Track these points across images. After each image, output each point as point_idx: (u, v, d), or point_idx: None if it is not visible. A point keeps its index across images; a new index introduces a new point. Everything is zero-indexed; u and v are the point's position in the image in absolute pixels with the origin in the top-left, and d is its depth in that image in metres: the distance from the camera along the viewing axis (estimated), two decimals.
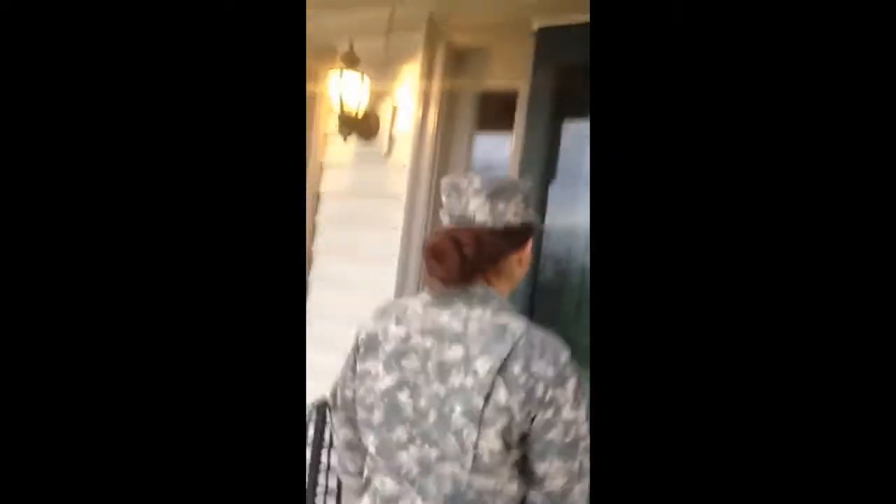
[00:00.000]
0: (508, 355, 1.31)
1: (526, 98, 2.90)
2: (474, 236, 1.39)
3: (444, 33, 3.20)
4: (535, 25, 2.87)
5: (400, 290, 3.21)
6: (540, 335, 1.37)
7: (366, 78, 3.13)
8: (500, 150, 3.11)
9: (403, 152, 3.23)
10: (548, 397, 1.32)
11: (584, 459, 1.36)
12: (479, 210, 1.40)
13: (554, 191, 2.93)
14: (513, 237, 1.45)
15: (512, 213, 1.43)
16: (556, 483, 1.37)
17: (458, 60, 3.29)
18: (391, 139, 3.27)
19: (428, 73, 3.21)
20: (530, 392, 1.31)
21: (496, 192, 1.40)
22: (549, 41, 2.86)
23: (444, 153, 3.27)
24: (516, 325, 1.37)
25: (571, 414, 1.34)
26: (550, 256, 2.94)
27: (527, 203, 1.47)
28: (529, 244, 1.51)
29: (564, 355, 1.36)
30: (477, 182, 1.40)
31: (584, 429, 1.36)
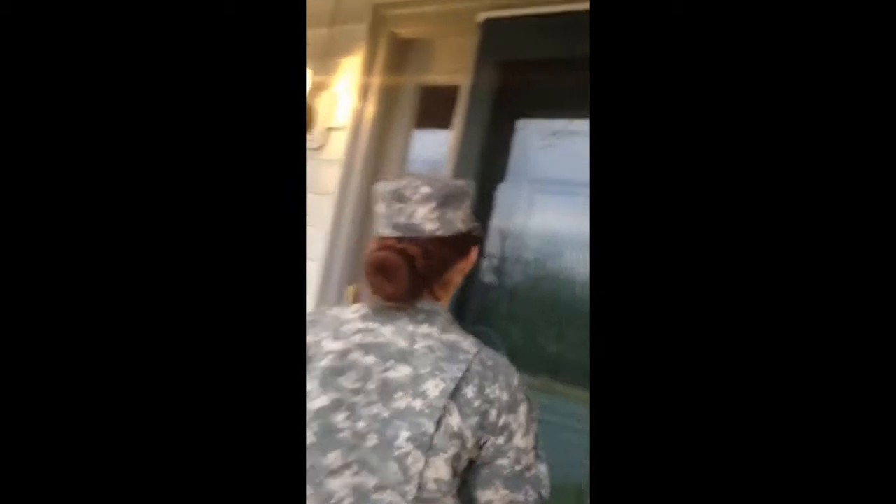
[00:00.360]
0: (462, 377, 1.23)
1: (467, 93, 2.75)
2: (424, 248, 1.31)
3: (389, 23, 3.07)
4: (481, 17, 2.73)
5: (322, 294, 3.02)
6: (492, 356, 1.30)
7: (307, 70, 2.99)
8: (439, 146, 2.96)
9: (338, 146, 3.08)
10: (501, 423, 1.24)
11: (530, 490, 1.27)
12: (427, 219, 1.31)
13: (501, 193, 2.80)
14: (460, 246, 1.37)
15: (461, 220, 1.35)
16: None
17: (402, 53, 3.16)
18: (327, 133, 3.12)
19: (369, 66, 3.07)
20: (484, 417, 1.23)
21: (446, 199, 1.32)
22: (493, 34, 2.71)
23: (380, 149, 3.12)
24: (467, 344, 1.30)
25: (522, 441, 1.27)
26: (521, 260, 2.80)
27: (472, 208, 1.40)
28: (474, 252, 1.42)
29: (516, 378, 1.30)
30: (425, 189, 1.31)
31: (533, 457, 1.29)
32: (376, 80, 3.08)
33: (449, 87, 2.93)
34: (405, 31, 3.09)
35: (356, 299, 3.08)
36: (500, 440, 1.24)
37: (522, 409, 1.27)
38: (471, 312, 2.76)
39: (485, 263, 2.78)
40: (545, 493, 1.28)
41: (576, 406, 2.49)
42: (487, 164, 2.72)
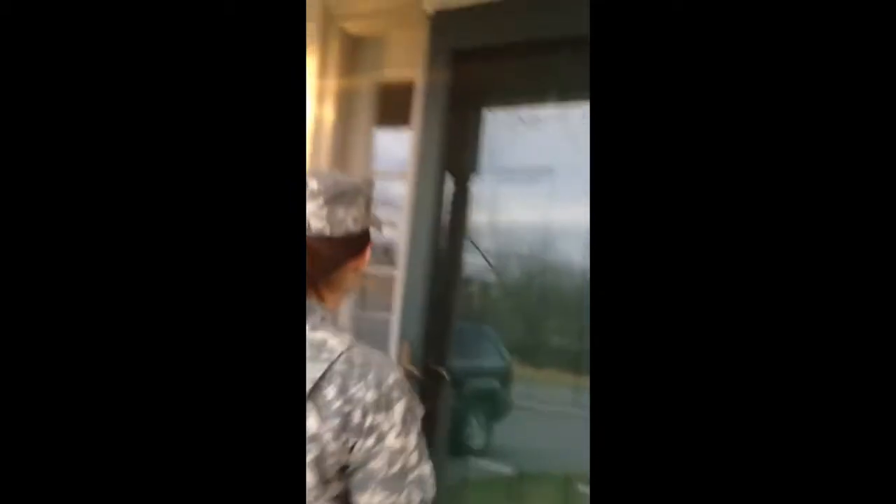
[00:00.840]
0: (322, 377, 1.21)
1: (423, 88, 2.65)
2: (308, 247, 1.27)
3: (338, 21, 2.96)
4: (430, 9, 2.62)
5: None
6: (363, 354, 1.26)
7: None
8: (403, 144, 2.86)
9: None
10: (368, 423, 1.21)
11: (412, 492, 1.24)
12: (314, 216, 1.28)
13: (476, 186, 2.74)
14: (351, 245, 1.34)
15: (352, 219, 1.32)
16: None
17: (354, 52, 3.05)
18: None
19: (322, 68, 2.97)
20: (346, 418, 1.20)
21: (336, 198, 1.29)
22: (444, 26, 2.61)
23: (342, 151, 3.02)
24: (335, 342, 1.25)
25: (397, 442, 1.23)
26: (514, 255, 2.78)
27: (368, 207, 1.37)
28: (368, 252, 1.40)
29: (392, 376, 1.26)
30: (312, 184, 1.29)
31: (415, 458, 1.25)
32: (331, 82, 2.99)
33: (405, 82, 2.83)
34: (355, 28, 2.99)
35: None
36: (370, 442, 1.21)
37: (398, 407, 1.23)
38: (469, 310, 2.71)
39: (471, 261, 2.71)
40: (429, 494, 1.25)
41: (581, 394, 2.48)
42: (454, 158, 2.62)
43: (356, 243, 1.34)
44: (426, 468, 1.26)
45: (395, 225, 2.78)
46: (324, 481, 1.21)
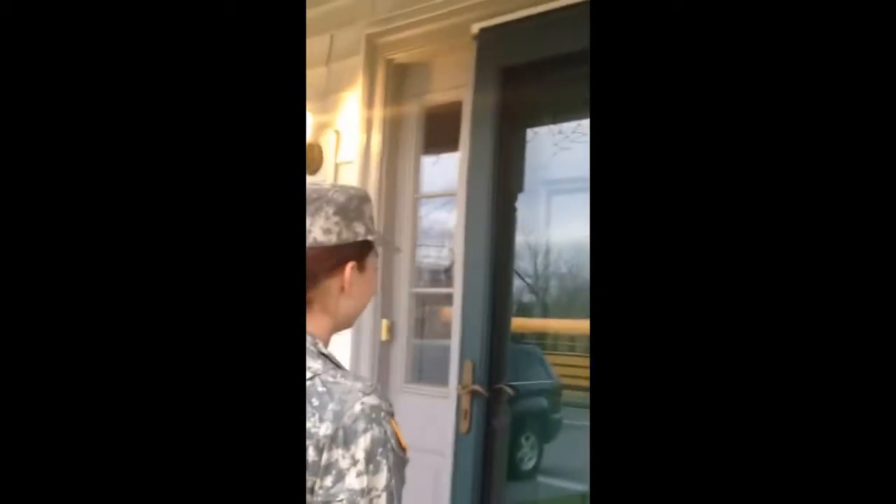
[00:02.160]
0: None
1: (470, 108, 2.64)
2: None
3: (383, 50, 2.97)
4: (475, 28, 2.63)
5: (357, 328, 2.92)
6: (327, 382, 1.14)
7: (307, 110, 2.90)
8: (451, 168, 2.85)
9: (348, 182, 2.98)
10: (324, 461, 1.09)
11: None
12: None
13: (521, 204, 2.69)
14: (325, 259, 1.21)
15: (320, 229, 1.20)
16: None
17: (400, 78, 3.05)
18: (336, 169, 3.03)
19: (369, 97, 2.98)
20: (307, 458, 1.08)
21: None
22: (490, 43, 2.61)
23: (390, 178, 3.01)
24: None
25: (359, 482, 1.09)
26: (555, 274, 2.75)
27: (346, 217, 1.23)
28: (348, 269, 1.24)
29: (355, 408, 1.11)
30: None
31: (383, 500, 1.10)
32: (378, 111, 2.98)
33: (452, 104, 2.82)
34: (400, 56, 2.99)
35: (390, 332, 2.98)
36: (328, 481, 1.09)
37: (362, 441, 1.10)
38: (514, 332, 2.67)
39: (520, 281, 2.69)
40: None
41: None
42: (500, 178, 2.61)
43: (330, 258, 1.22)
44: None
45: (398, 249, 2.75)
46: None
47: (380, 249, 1.36)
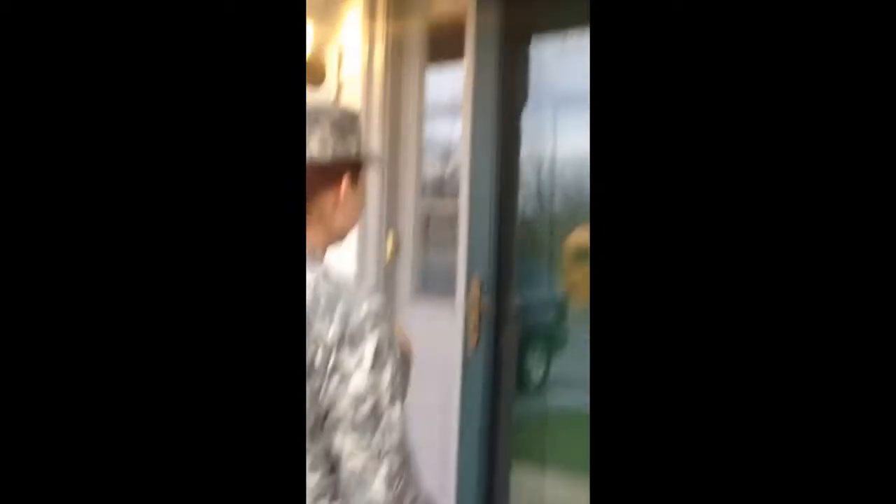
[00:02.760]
0: None
1: (474, 24, 2.58)
2: None
3: None
4: None
5: (361, 242, 2.91)
6: (332, 287, 1.16)
7: (309, 23, 2.84)
8: (456, 82, 2.79)
9: (352, 98, 2.94)
10: (331, 363, 1.12)
11: (388, 435, 1.13)
12: None
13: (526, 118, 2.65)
14: (321, 175, 1.23)
15: (317, 143, 1.22)
16: (353, 463, 1.12)
17: None
18: (339, 84, 2.98)
19: (371, 11, 2.90)
20: (311, 361, 1.11)
21: None
22: None
23: (394, 93, 2.96)
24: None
25: (365, 381, 1.12)
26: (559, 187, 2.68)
27: (340, 133, 1.25)
28: (344, 183, 1.26)
29: (363, 308, 1.14)
30: None
31: (387, 398, 1.13)
32: (380, 25, 2.91)
33: (456, 17, 2.74)
34: None
35: (395, 247, 2.97)
36: (334, 381, 1.11)
37: (368, 342, 1.12)
38: (519, 246, 2.66)
39: (522, 194, 2.66)
40: (398, 438, 1.14)
41: None
42: (505, 90, 2.57)
43: (326, 172, 1.23)
44: (396, 411, 1.14)
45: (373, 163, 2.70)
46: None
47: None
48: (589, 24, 2.42)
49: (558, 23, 2.61)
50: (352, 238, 2.87)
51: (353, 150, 1.27)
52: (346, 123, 1.26)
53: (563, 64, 2.61)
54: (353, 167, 1.27)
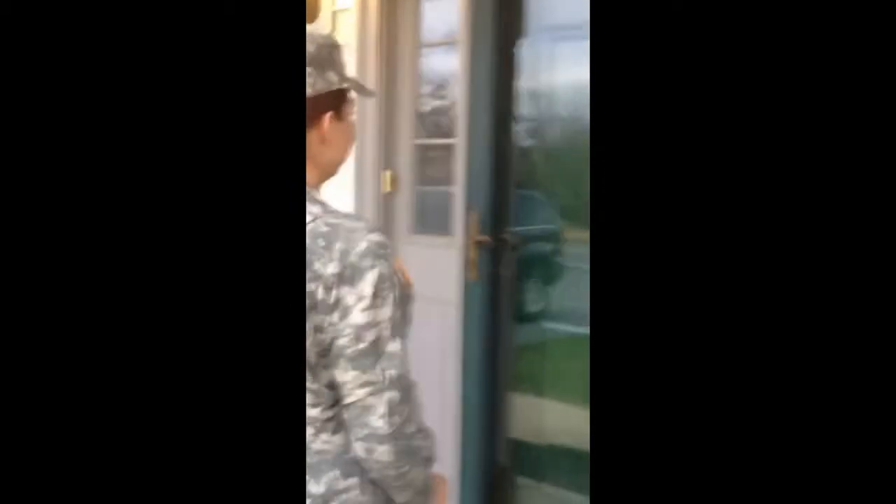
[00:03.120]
0: None
1: None
2: None
3: None
4: None
5: (359, 180, 2.90)
6: (331, 223, 1.15)
7: None
8: (451, 14, 2.74)
9: (347, 29, 2.88)
10: (332, 298, 1.12)
11: (388, 367, 1.14)
12: None
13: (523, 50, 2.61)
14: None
15: None
16: (356, 395, 1.14)
17: None
18: (333, 17, 2.93)
19: None
20: (312, 297, 1.11)
21: None
22: None
23: (390, 25, 2.91)
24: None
25: (364, 316, 1.12)
26: (556, 118, 2.66)
27: (318, 67, 1.20)
28: (326, 119, 1.23)
29: (363, 244, 1.14)
30: None
31: (387, 332, 1.14)
32: None
33: None
34: None
35: (393, 183, 2.96)
36: (335, 317, 1.12)
37: (368, 277, 1.13)
38: (515, 177, 2.65)
39: (521, 126, 2.64)
40: (399, 371, 1.15)
41: None
42: (501, 23, 2.53)
43: (307, 109, 1.19)
44: (396, 344, 1.15)
45: (373, 93, 2.65)
46: (308, 370, 1.15)
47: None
48: None
49: None
50: (348, 174, 2.86)
51: (335, 83, 1.23)
52: (324, 56, 1.22)
53: None
54: (335, 101, 1.24)
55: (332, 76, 1.23)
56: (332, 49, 1.24)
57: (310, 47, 1.20)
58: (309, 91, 1.19)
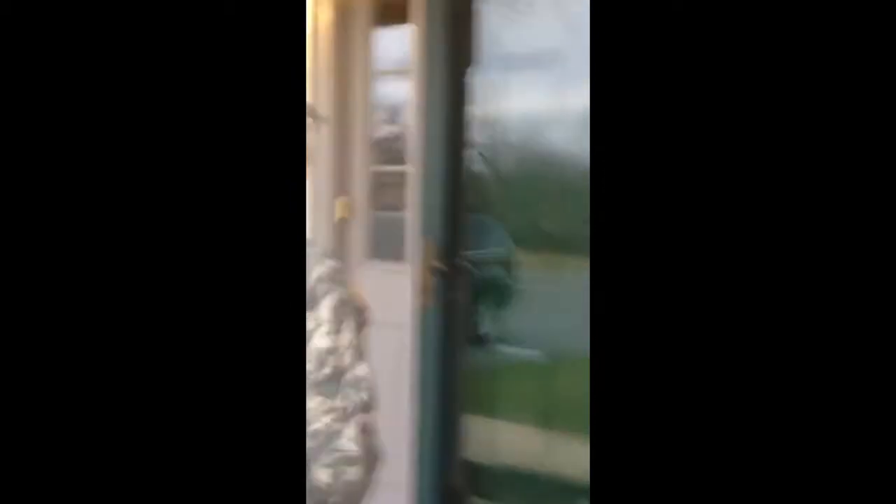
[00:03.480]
0: None
1: None
2: None
3: None
4: None
5: (315, 208, 2.89)
6: None
7: None
8: (403, 43, 2.77)
9: None
10: None
11: (349, 392, 1.13)
12: None
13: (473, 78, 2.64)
14: None
15: None
16: (321, 421, 1.12)
17: None
18: None
19: None
20: None
21: None
22: None
23: (342, 54, 2.92)
24: None
25: (326, 341, 1.12)
26: (507, 144, 2.67)
27: None
28: None
29: (316, 270, 1.14)
30: None
31: (348, 357, 1.14)
32: None
33: None
34: None
35: (347, 210, 2.97)
36: None
37: (325, 302, 1.12)
38: (468, 203, 2.66)
39: (472, 153, 2.67)
40: (367, 395, 1.14)
41: (578, 275, 2.41)
42: (453, 51, 2.56)
43: None
44: (362, 368, 1.15)
45: (325, 119, 2.66)
46: None
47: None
48: None
49: None
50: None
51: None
52: None
53: (509, 25, 2.62)
54: None
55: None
56: None
57: None
58: None
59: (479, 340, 2.87)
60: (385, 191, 2.98)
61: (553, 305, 2.72)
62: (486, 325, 2.95)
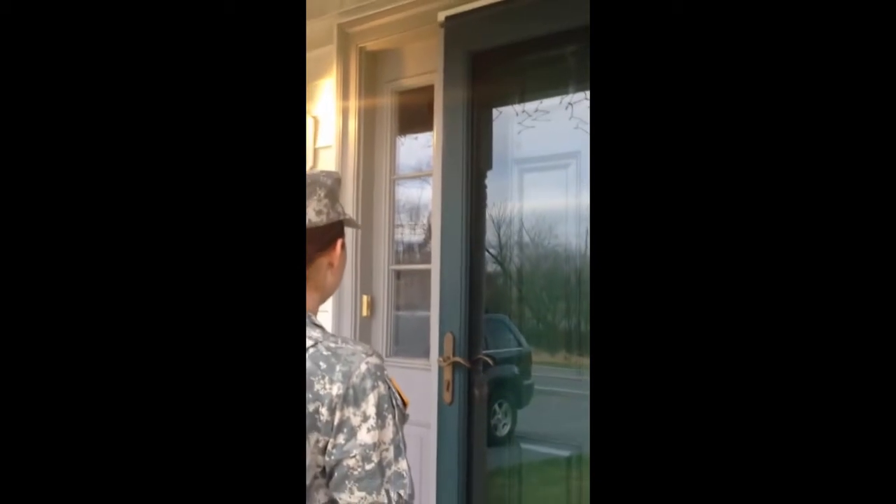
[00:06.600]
0: None
1: (441, 91, 2.59)
2: None
3: (355, 39, 2.90)
4: (441, 16, 2.58)
5: (338, 305, 2.87)
6: (331, 348, 1.14)
7: None
8: (424, 149, 2.80)
9: (328, 164, 2.92)
10: (337, 419, 1.09)
11: (392, 488, 1.10)
12: None
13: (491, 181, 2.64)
14: (318, 239, 1.24)
15: (314, 211, 1.23)
16: None
17: (373, 66, 2.98)
18: (315, 153, 2.97)
19: (344, 84, 2.90)
20: (313, 417, 1.08)
21: None
22: (456, 30, 2.55)
23: (367, 160, 2.95)
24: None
25: (371, 436, 1.09)
26: (519, 244, 2.64)
27: (333, 199, 1.26)
28: (339, 245, 1.28)
29: (361, 368, 1.12)
30: None
31: (391, 453, 1.11)
32: (353, 96, 2.91)
33: (423, 88, 2.77)
34: (372, 44, 2.91)
35: (370, 308, 2.94)
36: (341, 439, 1.09)
37: (371, 398, 1.11)
38: (486, 302, 2.62)
39: (488, 253, 2.66)
40: (406, 492, 1.11)
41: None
42: (472, 156, 2.58)
43: (322, 237, 1.23)
44: (402, 464, 1.12)
45: (359, 225, 2.69)
46: (309, 489, 1.11)
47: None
48: (546, 94, 2.49)
49: (519, 92, 2.65)
50: (329, 300, 2.84)
51: (341, 213, 1.27)
52: (336, 189, 1.27)
53: (523, 130, 2.64)
54: (341, 229, 1.28)
55: (339, 207, 1.27)
56: (338, 183, 1.29)
57: (328, 180, 1.26)
58: (324, 220, 1.23)
59: (498, 439, 2.79)
60: (408, 288, 2.96)
61: (570, 404, 2.65)
62: (504, 423, 2.88)
